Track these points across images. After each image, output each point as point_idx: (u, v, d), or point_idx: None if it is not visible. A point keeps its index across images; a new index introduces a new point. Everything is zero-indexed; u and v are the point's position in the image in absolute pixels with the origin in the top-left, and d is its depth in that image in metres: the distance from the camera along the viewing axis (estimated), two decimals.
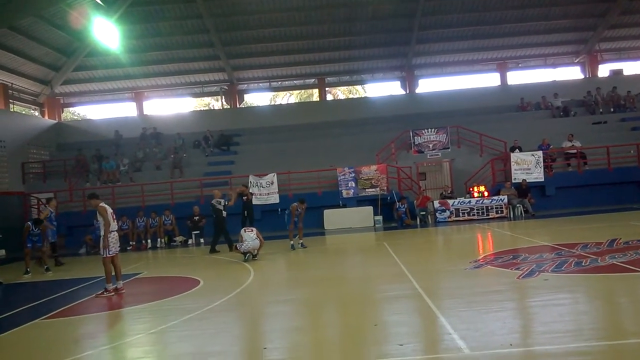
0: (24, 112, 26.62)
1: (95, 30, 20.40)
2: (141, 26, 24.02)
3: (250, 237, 12.66)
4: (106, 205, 9.40)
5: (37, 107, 27.29)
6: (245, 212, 16.47)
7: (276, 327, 6.72)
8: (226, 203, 15.62)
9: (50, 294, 9.97)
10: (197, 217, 18.63)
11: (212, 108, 36.47)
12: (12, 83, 23.98)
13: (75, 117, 36.60)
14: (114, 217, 9.52)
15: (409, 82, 28.56)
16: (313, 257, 13.11)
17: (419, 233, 16.86)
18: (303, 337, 6.11)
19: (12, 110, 24.55)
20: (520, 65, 29.40)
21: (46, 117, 26.96)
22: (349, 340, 5.87)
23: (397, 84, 29.60)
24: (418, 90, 28.68)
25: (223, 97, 29.54)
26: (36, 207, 20.76)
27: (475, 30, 26.24)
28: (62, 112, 29.69)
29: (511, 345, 5.03)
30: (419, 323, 6.37)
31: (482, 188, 19.45)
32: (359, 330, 6.12)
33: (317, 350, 5.57)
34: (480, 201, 18.93)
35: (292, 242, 14.34)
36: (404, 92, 28.80)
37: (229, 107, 29.02)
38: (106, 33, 20.31)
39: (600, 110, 24.89)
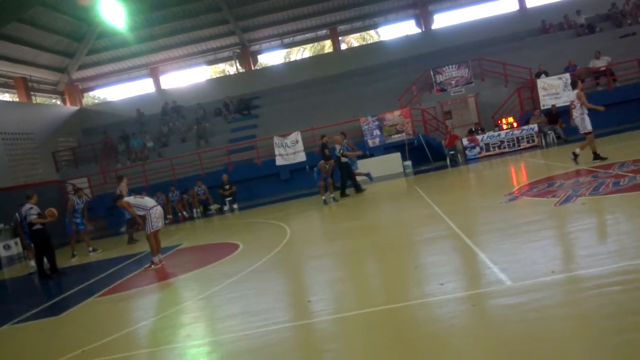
0: (46, 103, 27.01)
1: (101, 10, 20.28)
2: (146, 0, 23.73)
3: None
4: (128, 199, 9.73)
5: (58, 96, 27.66)
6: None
7: (318, 280, 6.85)
8: (342, 150, 15.40)
9: (100, 273, 10.35)
10: (228, 186, 18.85)
11: (227, 74, 36.26)
12: (30, 75, 24.28)
13: (96, 101, 36.98)
14: (142, 196, 9.84)
15: (424, 19, 27.65)
16: (346, 209, 13.19)
17: (450, 173, 16.70)
18: (345, 287, 6.21)
19: (34, 102, 24.94)
20: None
21: (68, 105, 27.33)
22: (390, 284, 5.94)
23: (412, 22, 28.72)
24: (434, 27, 27.79)
25: (237, 61, 29.32)
26: (72, 193, 21.32)
27: None
28: (83, 97, 30.01)
29: (553, 272, 4.99)
30: (458, 261, 6.39)
31: (510, 119, 19.02)
32: (399, 274, 6.19)
33: (360, 297, 5.67)
34: (510, 133, 18.54)
35: (324, 198, 14.43)
36: (419, 31, 27.95)
37: (244, 70, 28.81)
38: (112, 11, 20.17)
39: (629, 21, 23.68)
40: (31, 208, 10.93)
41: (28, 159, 21.38)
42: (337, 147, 15.54)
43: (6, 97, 25.31)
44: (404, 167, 19.22)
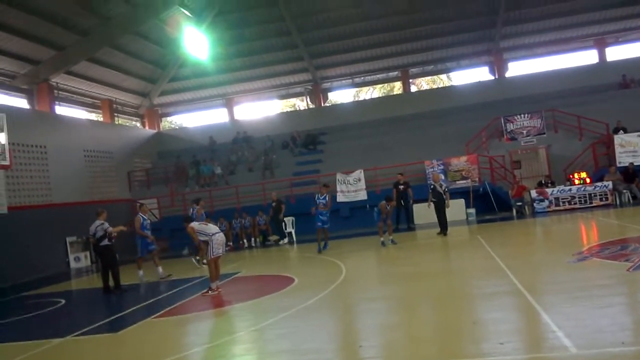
0: (127, 124, 28.70)
1: (186, 42, 21.63)
2: (228, 34, 24.86)
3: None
4: (193, 225, 10.03)
5: (138, 119, 29.33)
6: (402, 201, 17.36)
7: (371, 324, 6.76)
8: (441, 185, 15.41)
9: (159, 294, 10.71)
10: (274, 203, 18.94)
11: (297, 109, 37.18)
12: (115, 98, 25.98)
13: (173, 126, 38.82)
14: (207, 223, 10.16)
15: (498, 66, 27.33)
16: (404, 253, 13.02)
17: (516, 225, 16.15)
18: (398, 335, 6.10)
19: (117, 123, 26.59)
20: (620, 39, 27.09)
21: (147, 128, 28.90)
22: (446, 338, 5.77)
23: (485, 69, 28.48)
24: (508, 75, 27.40)
25: (308, 97, 30.06)
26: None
27: (568, 6, 24.47)
28: (161, 121, 31.62)
29: (623, 343, 4.70)
30: (520, 320, 6.14)
31: (583, 174, 18.25)
32: (456, 328, 6.01)
33: (413, 348, 5.54)
34: (582, 188, 17.76)
35: (382, 239, 14.28)
36: (492, 77, 27.64)
37: (313, 106, 29.46)
38: (196, 43, 21.44)
39: None
40: (102, 223, 11.53)
41: (105, 176, 22.68)
42: (439, 184, 15.47)
43: (92, 116, 27.07)
44: (467, 215, 18.77)
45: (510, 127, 21.15)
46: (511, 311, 6.52)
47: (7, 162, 12.56)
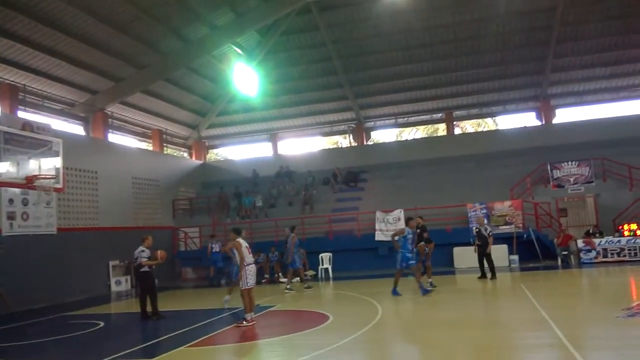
0: (175, 154, 29.56)
1: (235, 78, 22.34)
2: (276, 72, 25.57)
3: None
4: (241, 241, 10.10)
5: (186, 150, 30.22)
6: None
7: None
8: (486, 229, 15.54)
9: (195, 323, 10.78)
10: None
11: (340, 146, 37.47)
12: (166, 128, 26.91)
13: (218, 157, 39.74)
14: (250, 251, 10.20)
15: (545, 112, 26.88)
16: (442, 297, 12.71)
17: (561, 275, 15.58)
18: None
19: (165, 152, 27.42)
20: None
21: (193, 158, 29.70)
22: None
23: (532, 115, 28.07)
24: (555, 121, 26.89)
25: (351, 135, 30.31)
26: (183, 240, 22.79)
27: (616, 55, 24.04)
28: (207, 153, 32.42)
29: None
30: None
31: (634, 226, 17.54)
32: None
33: None
34: (633, 240, 17.03)
35: (420, 281, 14.00)
36: (539, 123, 27.18)
37: (356, 144, 29.66)
38: (246, 80, 22.11)
39: None
40: (142, 251, 11.81)
41: (150, 203, 23.31)
42: (488, 228, 15.60)
43: (142, 145, 28.06)
44: (510, 262, 18.25)
45: (556, 174, 20.65)
46: None
47: (60, 185, 13.12)
